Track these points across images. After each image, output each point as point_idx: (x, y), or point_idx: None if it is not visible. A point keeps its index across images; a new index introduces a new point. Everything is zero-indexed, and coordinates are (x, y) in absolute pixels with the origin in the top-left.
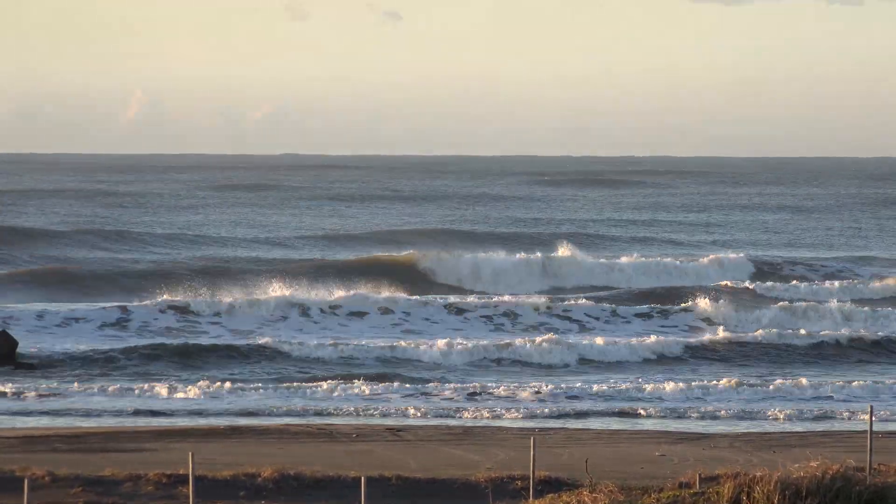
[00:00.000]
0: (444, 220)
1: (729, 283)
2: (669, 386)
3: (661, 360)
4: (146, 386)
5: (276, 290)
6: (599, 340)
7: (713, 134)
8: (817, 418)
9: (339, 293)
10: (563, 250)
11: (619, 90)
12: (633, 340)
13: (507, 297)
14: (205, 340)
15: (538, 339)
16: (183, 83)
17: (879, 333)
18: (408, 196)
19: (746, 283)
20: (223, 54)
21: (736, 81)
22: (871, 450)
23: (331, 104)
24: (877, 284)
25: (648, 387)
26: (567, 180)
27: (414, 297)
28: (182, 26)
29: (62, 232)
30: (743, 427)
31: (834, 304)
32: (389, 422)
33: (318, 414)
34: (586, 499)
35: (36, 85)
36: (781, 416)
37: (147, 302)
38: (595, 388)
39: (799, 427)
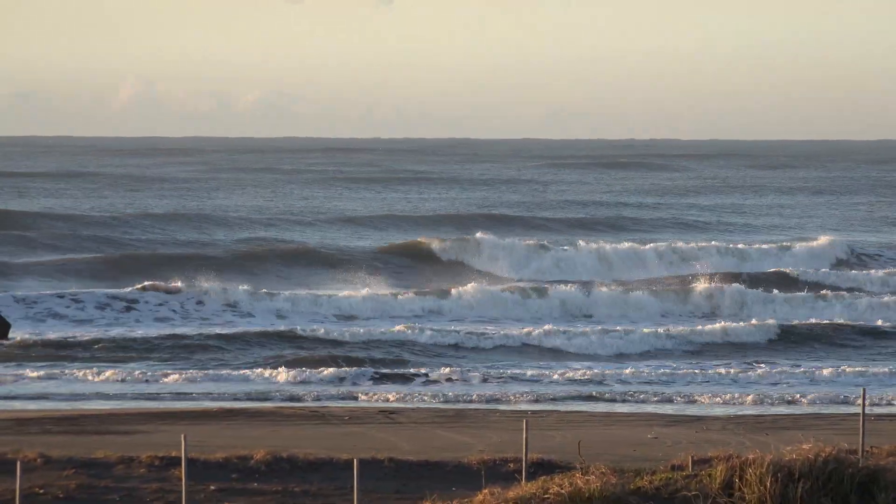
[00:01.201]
0: (475, 205)
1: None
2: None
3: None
4: (150, 373)
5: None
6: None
7: (715, 116)
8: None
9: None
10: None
11: (616, 73)
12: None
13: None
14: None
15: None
16: (177, 67)
17: None
18: (423, 179)
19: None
20: (217, 37)
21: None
22: (863, 432)
23: (324, 87)
24: None
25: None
26: (580, 164)
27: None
28: (177, 9)
29: (89, 216)
30: (735, 410)
31: None
32: (383, 404)
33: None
34: (579, 481)
35: (33, 69)
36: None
37: (157, 285)
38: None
39: (791, 410)
